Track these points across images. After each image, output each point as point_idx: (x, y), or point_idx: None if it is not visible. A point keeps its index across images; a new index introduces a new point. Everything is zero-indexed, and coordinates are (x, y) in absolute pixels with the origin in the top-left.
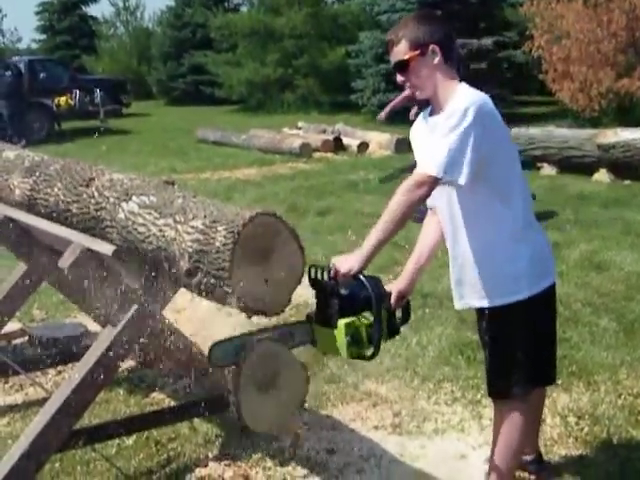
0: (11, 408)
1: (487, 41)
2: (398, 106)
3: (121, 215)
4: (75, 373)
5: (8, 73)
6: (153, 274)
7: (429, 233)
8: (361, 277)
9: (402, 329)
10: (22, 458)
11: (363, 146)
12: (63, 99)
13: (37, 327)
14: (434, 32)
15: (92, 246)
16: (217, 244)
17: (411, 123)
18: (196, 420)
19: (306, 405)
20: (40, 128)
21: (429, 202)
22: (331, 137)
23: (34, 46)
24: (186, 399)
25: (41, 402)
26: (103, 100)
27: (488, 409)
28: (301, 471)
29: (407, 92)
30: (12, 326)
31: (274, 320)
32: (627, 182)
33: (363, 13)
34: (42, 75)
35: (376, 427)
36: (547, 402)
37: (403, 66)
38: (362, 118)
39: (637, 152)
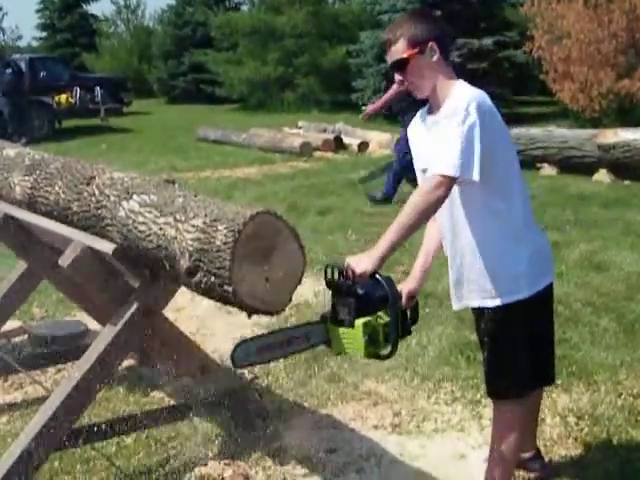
0: (10, 406)
1: (488, 41)
2: (379, 109)
3: (122, 213)
4: (75, 371)
5: (9, 71)
6: (153, 273)
7: (433, 236)
8: (377, 276)
9: (412, 329)
10: (22, 456)
11: (363, 145)
12: (64, 97)
13: (37, 325)
14: (432, 29)
15: (92, 244)
16: (218, 243)
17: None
18: (196, 419)
19: (306, 404)
20: (40, 126)
21: None
22: (331, 136)
23: (35, 44)
24: (186, 398)
25: (41, 400)
26: (104, 98)
27: (488, 409)
28: (301, 470)
29: (389, 95)
30: (12, 324)
31: (274, 320)
32: (627, 182)
33: (364, 12)
34: (43, 73)
35: (376, 426)
36: (547, 402)
37: (402, 65)
38: None
39: (637, 152)
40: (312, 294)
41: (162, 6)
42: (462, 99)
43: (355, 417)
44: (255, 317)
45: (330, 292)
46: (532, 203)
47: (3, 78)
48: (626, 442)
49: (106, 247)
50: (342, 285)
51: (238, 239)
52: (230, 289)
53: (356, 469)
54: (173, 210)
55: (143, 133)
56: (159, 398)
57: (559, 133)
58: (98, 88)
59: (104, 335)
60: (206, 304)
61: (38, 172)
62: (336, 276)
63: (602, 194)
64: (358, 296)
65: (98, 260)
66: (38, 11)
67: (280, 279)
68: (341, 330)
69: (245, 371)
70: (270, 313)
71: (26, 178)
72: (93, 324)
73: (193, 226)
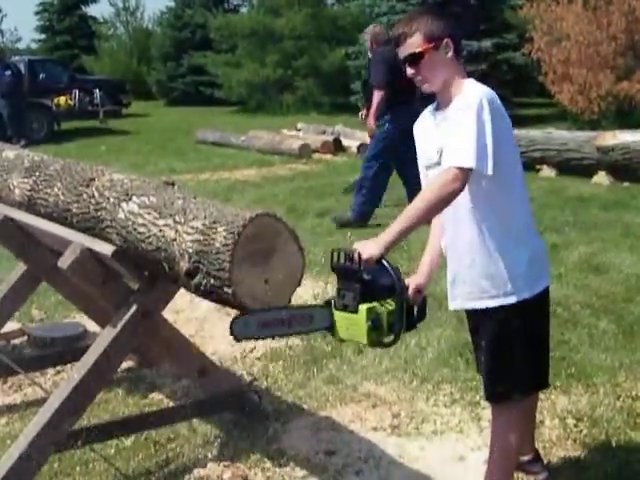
0: (10, 408)
1: (487, 43)
2: (375, 119)
3: (121, 215)
4: (74, 373)
5: (8, 73)
6: (153, 274)
7: (440, 232)
8: (384, 263)
9: (417, 325)
10: (21, 458)
11: (363, 147)
12: (63, 99)
13: (36, 327)
14: (447, 26)
15: (92, 246)
16: (217, 245)
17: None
18: (195, 421)
19: (305, 406)
20: (40, 128)
21: None
22: (330, 138)
23: (34, 46)
24: (185, 399)
25: (40, 402)
26: (102, 100)
27: (487, 411)
28: (300, 472)
29: (377, 102)
30: (11, 326)
31: None
32: (626, 184)
33: (363, 15)
34: (42, 75)
35: (375, 428)
36: (546, 404)
37: (416, 58)
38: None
39: (636, 154)
40: (311, 296)
41: (161, 8)
42: (475, 95)
43: (354, 419)
44: None
45: (335, 276)
46: (531, 205)
47: (2, 80)
48: (625, 444)
49: (105, 249)
50: (348, 269)
51: (238, 241)
52: (230, 291)
53: (355, 471)
54: (172, 212)
55: (142, 135)
56: (158, 400)
57: (558, 135)
58: (97, 90)
59: (103, 337)
60: (205, 306)
61: (37, 174)
62: (342, 260)
63: (601, 196)
64: (364, 281)
65: (97, 262)
66: (37, 13)
67: (279, 281)
68: (345, 315)
69: (244, 373)
70: None
71: (25, 180)
72: (92, 326)
73: (192, 228)
